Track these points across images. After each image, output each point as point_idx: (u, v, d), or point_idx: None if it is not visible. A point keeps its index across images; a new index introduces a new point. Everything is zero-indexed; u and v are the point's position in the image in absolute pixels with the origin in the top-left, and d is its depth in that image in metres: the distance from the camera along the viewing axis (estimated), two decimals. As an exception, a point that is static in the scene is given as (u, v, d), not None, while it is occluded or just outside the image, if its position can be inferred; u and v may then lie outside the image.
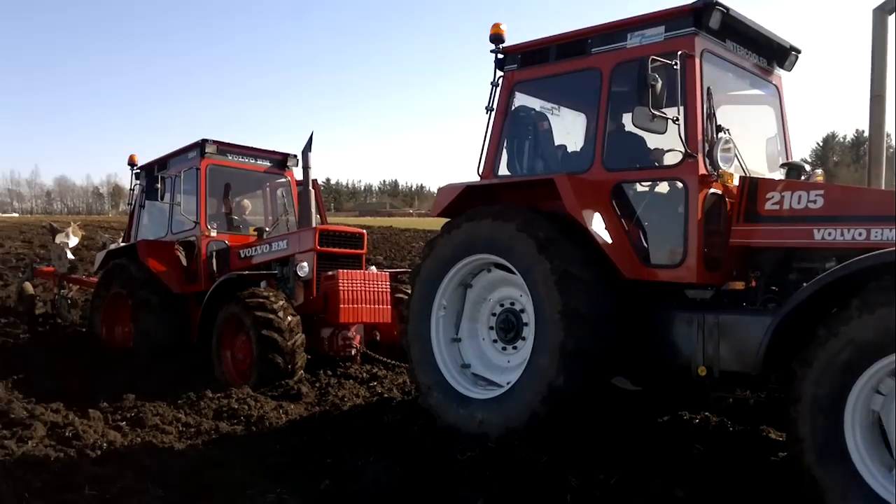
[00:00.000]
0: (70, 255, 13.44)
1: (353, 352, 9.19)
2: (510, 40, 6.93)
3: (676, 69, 5.57)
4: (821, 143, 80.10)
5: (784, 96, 6.79)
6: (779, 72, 6.76)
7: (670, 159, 5.86)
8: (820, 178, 6.42)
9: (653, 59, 5.43)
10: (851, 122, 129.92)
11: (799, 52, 6.71)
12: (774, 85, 6.75)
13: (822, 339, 4.41)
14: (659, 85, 5.41)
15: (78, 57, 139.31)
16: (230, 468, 5.25)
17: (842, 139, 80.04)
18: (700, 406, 6.94)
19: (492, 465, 5.17)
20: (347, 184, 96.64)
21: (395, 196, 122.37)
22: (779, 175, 6.31)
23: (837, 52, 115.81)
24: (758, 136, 6.77)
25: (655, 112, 5.38)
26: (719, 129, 5.79)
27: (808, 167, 6.18)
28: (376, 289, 9.25)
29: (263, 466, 5.36)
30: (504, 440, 5.70)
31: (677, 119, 5.54)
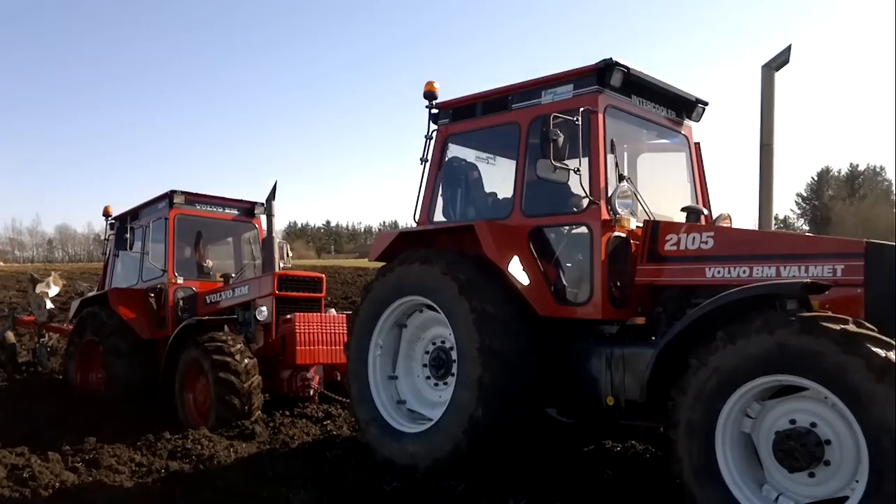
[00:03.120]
0: (49, 305, 13.89)
1: (312, 392, 9.60)
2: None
3: (578, 124, 6.09)
4: (815, 178, 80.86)
5: (693, 145, 7.32)
6: (688, 122, 7.31)
7: (579, 206, 6.36)
8: (726, 222, 6.94)
9: (554, 115, 5.96)
10: (846, 156, 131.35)
11: (706, 104, 7.28)
12: (684, 135, 7.29)
13: (694, 368, 4.87)
14: (561, 139, 5.92)
15: (78, 103, 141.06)
16: (171, 503, 5.64)
17: (836, 173, 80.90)
18: (627, 436, 7.36)
19: (413, 494, 5.58)
20: (347, 226, 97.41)
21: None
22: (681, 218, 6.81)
23: (832, 86, 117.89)
24: (670, 182, 7.31)
25: (557, 164, 5.89)
26: (621, 177, 6.31)
27: (706, 211, 6.68)
28: (333, 330, 9.69)
29: (201, 500, 5.76)
30: (431, 471, 6.12)
31: (578, 170, 6.05)
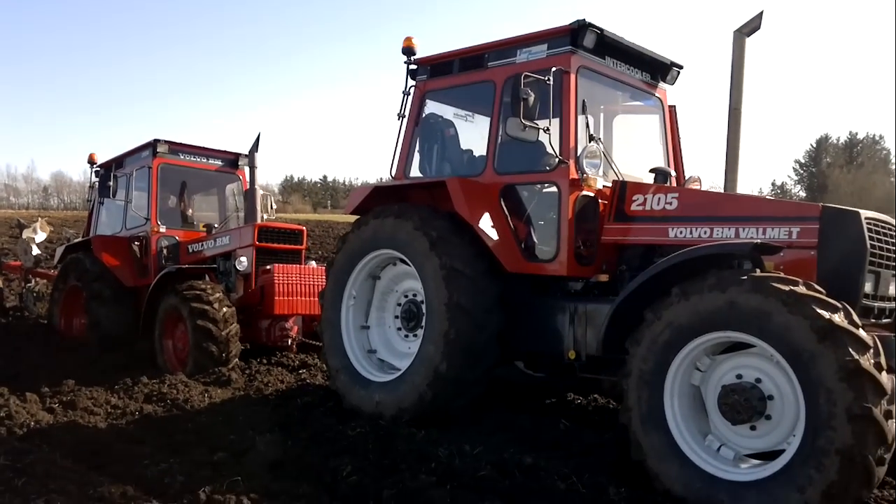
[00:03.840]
0: (36, 250, 14.01)
1: (290, 342, 9.78)
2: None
3: (549, 84, 6.14)
4: (814, 145, 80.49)
5: (667, 108, 7.37)
6: (663, 85, 7.35)
7: (549, 165, 6.44)
8: (696, 184, 7.03)
9: (525, 74, 6.01)
10: (845, 123, 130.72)
11: (681, 67, 7.31)
12: (658, 97, 7.34)
13: (649, 321, 5.02)
14: (531, 98, 5.98)
15: (75, 50, 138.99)
16: (139, 443, 5.84)
17: (835, 141, 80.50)
18: (592, 390, 7.57)
19: (375, 438, 5.76)
20: (344, 181, 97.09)
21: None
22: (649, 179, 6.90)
23: (833, 53, 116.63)
24: (643, 144, 7.39)
25: (526, 122, 5.96)
26: (591, 138, 6.38)
27: (673, 172, 6.77)
28: (312, 282, 9.83)
29: (171, 442, 5.94)
30: (395, 419, 6.31)
31: (548, 129, 6.12)
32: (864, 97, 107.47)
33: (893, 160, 69.81)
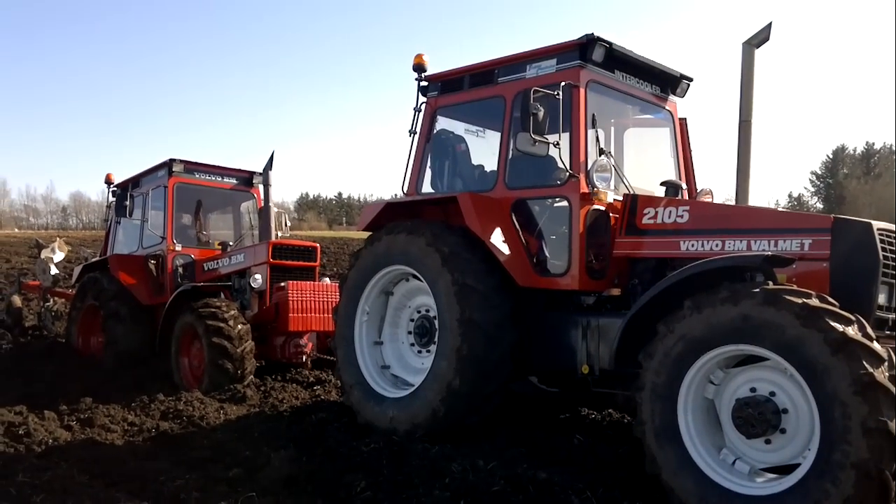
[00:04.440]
0: (54, 270, 14.16)
1: (305, 358, 9.83)
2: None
3: (559, 99, 6.18)
4: (830, 156, 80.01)
5: (678, 120, 7.38)
6: (673, 98, 7.36)
7: (560, 179, 6.46)
8: (707, 197, 7.03)
9: (535, 89, 6.05)
10: (861, 134, 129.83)
11: (690, 79, 7.33)
12: (668, 110, 7.35)
13: (662, 334, 5.00)
14: (541, 113, 6.01)
15: (94, 71, 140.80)
16: (155, 460, 5.90)
17: (852, 151, 79.95)
18: (606, 405, 7.54)
19: (389, 454, 5.78)
20: (359, 198, 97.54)
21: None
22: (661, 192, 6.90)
23: (848, 63, 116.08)
24: (654, 158, 7.40)
25: (536, 137, 5.99)
26: (601, 152, 6.41)
27: (684, 185, 6.77)
28: (326, 299, 9.88)
29: (187, 458, 5.98)
30: (409, 435, 6.31)
31: (558, 143, 6.15)
32: (881, 107, 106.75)
33: (910, 170, 69.22)
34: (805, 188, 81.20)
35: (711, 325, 4.77)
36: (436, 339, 6.82)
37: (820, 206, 74.27)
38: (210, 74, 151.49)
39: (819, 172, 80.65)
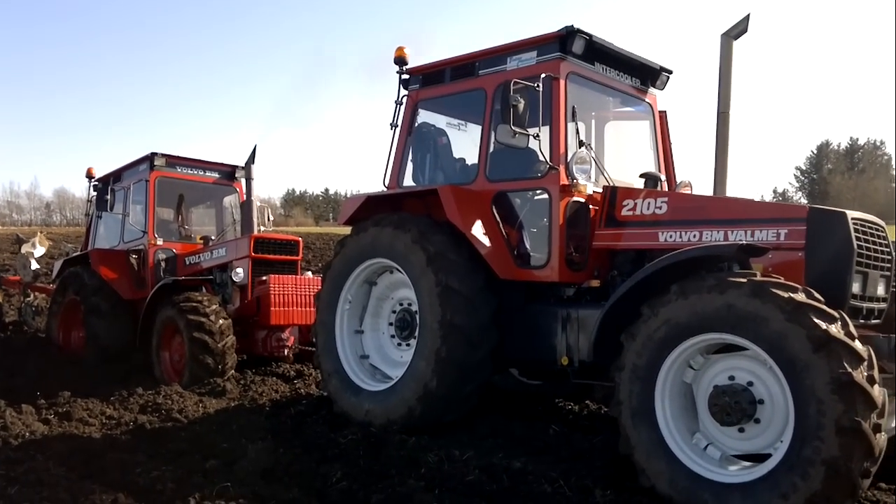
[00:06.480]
0: (35, 265, 14.03)
1: (287, 352, 9.79)
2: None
3: (539, 91, 6.17)
4: (815, 151, 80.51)
5: (657, 113, 7.40)
6: (653, 91, 7.38)
7: (540, 171, 6.46)
8: (687, 189, 7.06)
9: (514, 81, 6.05)
10: (846, 129, 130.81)
11: (670, 72, 7.34)
12: (648, 102, 7.37)
13: (645, 317, 5.02)
14: (521, 105, 6.01)
15: (79, 67, 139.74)
16: (133, 452, 5.83)
17: (836, 147, 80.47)
18: (585, 397, 7.56)
19: (367, 446, 5.78)
20: (346, 194, 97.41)
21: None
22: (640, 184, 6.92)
23: (833, 58, 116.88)
24: (634, 150, 7.42)
25: (516, 129, 5.98)
26: (581, 144, 6.41)
27: (663, 177, 6.80)
28: (308, 293, 9.84)
29: (164, 451, 5.94)
30: (384, 429, 6.28)
31: (538, 135, 6.15)
32: (865, 102, 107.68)
33: (894, 166, 69.83)
34: (790, 183, 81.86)
35: (696, 311, 4.78)
36: (416, 334, 6.80)
37: (804, 201, 74.70)
38: (198, 69, 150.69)
39: (803, 168, 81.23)
